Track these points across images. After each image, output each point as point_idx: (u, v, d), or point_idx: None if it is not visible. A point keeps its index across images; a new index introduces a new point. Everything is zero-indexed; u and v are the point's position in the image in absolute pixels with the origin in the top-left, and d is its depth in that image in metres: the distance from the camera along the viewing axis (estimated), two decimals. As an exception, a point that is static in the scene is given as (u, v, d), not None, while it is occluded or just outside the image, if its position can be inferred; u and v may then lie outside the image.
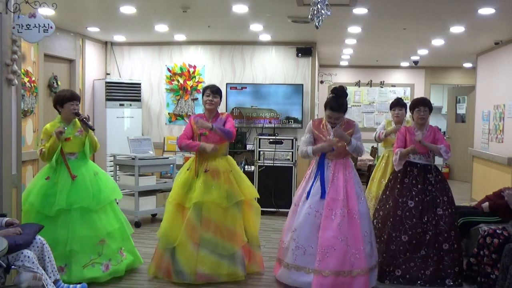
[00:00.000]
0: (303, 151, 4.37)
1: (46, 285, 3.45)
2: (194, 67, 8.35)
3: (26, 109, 6.05)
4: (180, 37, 7.89)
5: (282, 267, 4.29)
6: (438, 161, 4.99)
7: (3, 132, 3.93)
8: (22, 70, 5.13)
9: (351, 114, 11.28)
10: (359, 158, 8.15)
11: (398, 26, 6.55)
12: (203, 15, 6.23)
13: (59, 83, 7.06)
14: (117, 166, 6.58)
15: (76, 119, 4.45)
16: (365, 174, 8.01)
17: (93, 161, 6.90)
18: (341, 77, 11.51)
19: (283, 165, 7.24)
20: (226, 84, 8.08)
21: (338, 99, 4.24)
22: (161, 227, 4.50)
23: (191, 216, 4.34)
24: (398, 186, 4.68)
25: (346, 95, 4.31)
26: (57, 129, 4.30)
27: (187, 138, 4.55)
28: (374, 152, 9.70)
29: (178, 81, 8.36)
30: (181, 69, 8.37)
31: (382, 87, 11.42)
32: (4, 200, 3.93)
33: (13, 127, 4.08)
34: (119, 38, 8.06)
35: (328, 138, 4.26)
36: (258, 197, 4.76)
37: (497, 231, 4.27)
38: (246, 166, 7.66)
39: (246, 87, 8.06)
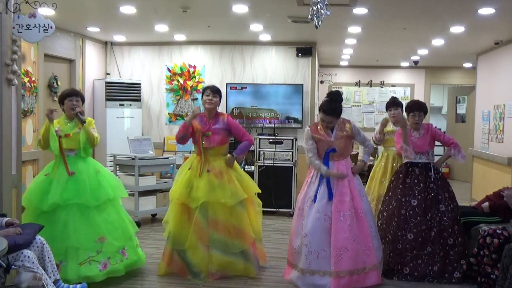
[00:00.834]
0: (313, 162, 4.38)
1: (46, 285, 3.45)
2: (194, 67, 8.35)
3: (26, 109, 6.05)
4: (180, 37, 7.89)
5: (296, 272, 4.33)
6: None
7: (3, 132, 3.93)
8: (22, 70, 5.14)
9: (351, 114, 11.28)
10: (359, 158, 8.16)
11: (398, 26, 6.55)
12: (203, 15, 6.23)
13: (59, 83, 7.06)
14: (117, 166, 6.58)
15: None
16: (365, 174, 8.00)
17: (93, 161, 6.93)
18: (341, 77, 11.51)
19: (283, 165, 7.24)
20: (226, 84, 8.08)
21: (332, 103, 4.31)
22: (168, 227, 4.55)
23: (198, 218, 4.40)
24: (401, 186, 4.77)
25: (341, 100, 4.39)
26: (48, 109, 4.31)
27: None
28: (374, 152, 9.69)
29: (178, 81, 8.36)
30: (181, 69, 8.37)
31: (382, 87, 11.42)
32: (4, 200, 3.93)
33: (13, 127, 4.09)
34: (119, 38, 8.06)
35: (328, 140, 4.33)
36: (260, 191, 4.82)
37: (497, 231, 4.27)
38: (246, 166, 7.66)
39: (246, 87, 8.06)
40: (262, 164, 7.26)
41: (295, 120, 7.94)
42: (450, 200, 4.71)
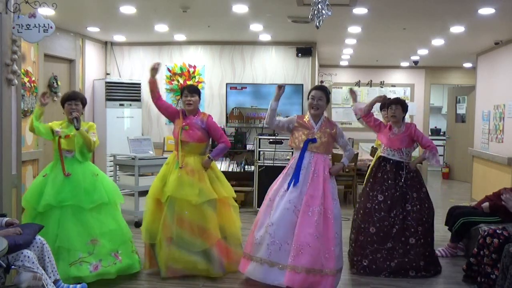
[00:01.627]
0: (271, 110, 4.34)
1: (46, 285, 3.45)
2: (194, 67, 8.35)
3: (26, 109, 6.04)
4: (180, 37, 7.89)
5: (253, 262, 4.22)
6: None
7: (3, 132, 3.93)
8: (22, 70, 5.14)
9: (351, 114, 11.27)
10: (359, 158, 8.16)
11: (398, 26, 6.55)
12: (203, 15, 6.24)
13: (59, 83, 7.06)
14: (117, 166, 6.57)
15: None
16: (365, 174, 7.99)
17: (93, 161, 6.93)
18: (341, 77, 11.51)
19: (283, 165, 7.15)
20: (226, 84, 8.09)
21: (321, 85, 4.38)
22: (143, 222, 4.64)
23: (166, 213, 4.45)
24: (371, 180, 4.90)
25: (329, 92, 4.47)
26: (42, 92, 4.32)
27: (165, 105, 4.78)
28: (374, 152, 9.68)
29: (178, 81, 8.36)
30: (181, 69, 8.37)
31: (382, 87, 11.42)
32: (4, 200, 3.93)
33: (13, 127, 4.09)
34: (119, 38, 8.06)
35: (310, 128, 4.32)
36: (235, 196, 4.80)
37: (497, 231, 4.27)
38: (246, 166, 7.65)
39: (246, 87, 8.06)
40: (262, 164, 7.26)
41: (295, 120, 7.92)
42: (418, 201, 4.73)
